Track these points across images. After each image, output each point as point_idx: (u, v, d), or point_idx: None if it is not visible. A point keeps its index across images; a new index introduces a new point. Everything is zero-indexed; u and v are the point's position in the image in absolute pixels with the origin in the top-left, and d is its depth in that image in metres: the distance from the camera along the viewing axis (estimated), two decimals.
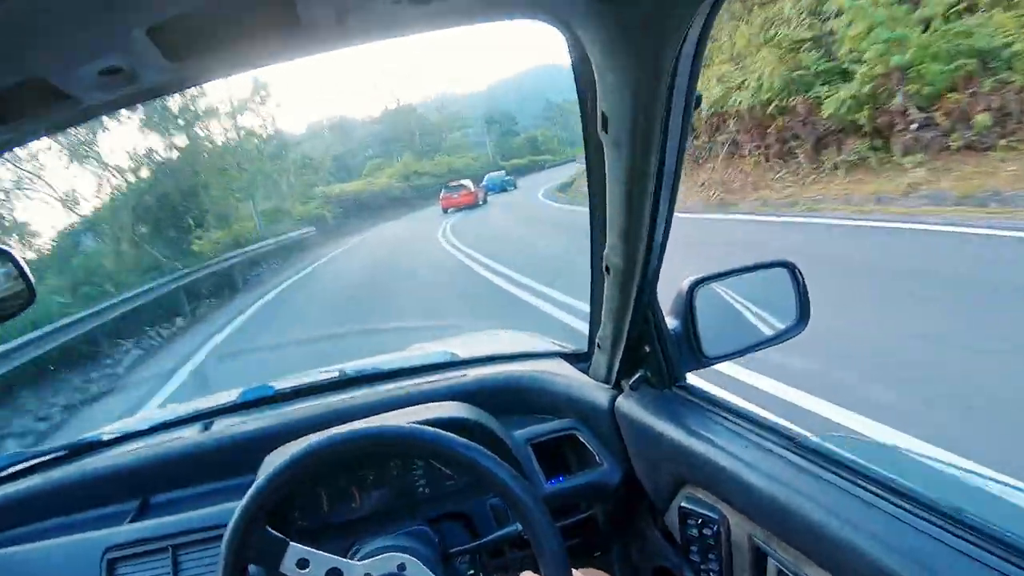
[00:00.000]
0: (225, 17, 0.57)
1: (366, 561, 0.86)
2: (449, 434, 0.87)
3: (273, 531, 0.85)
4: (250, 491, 0.86)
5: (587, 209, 1.00)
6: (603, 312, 1.09)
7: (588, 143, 0.90)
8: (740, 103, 11.12)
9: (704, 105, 10.75)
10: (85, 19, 0.49)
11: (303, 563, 0.83)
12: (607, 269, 1.00)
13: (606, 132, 0.78)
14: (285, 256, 17.84)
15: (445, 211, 24.29)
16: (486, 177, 32.51)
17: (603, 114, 0.76)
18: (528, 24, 0.72)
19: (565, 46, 0.79)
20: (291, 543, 0.84)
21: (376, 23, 0.65)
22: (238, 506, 0.86)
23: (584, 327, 1.23)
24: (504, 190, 30.81)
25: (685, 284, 1.12)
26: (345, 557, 1.01)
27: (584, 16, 0.66)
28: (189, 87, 0.70)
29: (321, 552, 0.85)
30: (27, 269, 0.83)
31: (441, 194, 26.16)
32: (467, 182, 26.92)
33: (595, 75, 0.71)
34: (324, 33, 0.64)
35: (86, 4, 0.48)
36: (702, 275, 1.14)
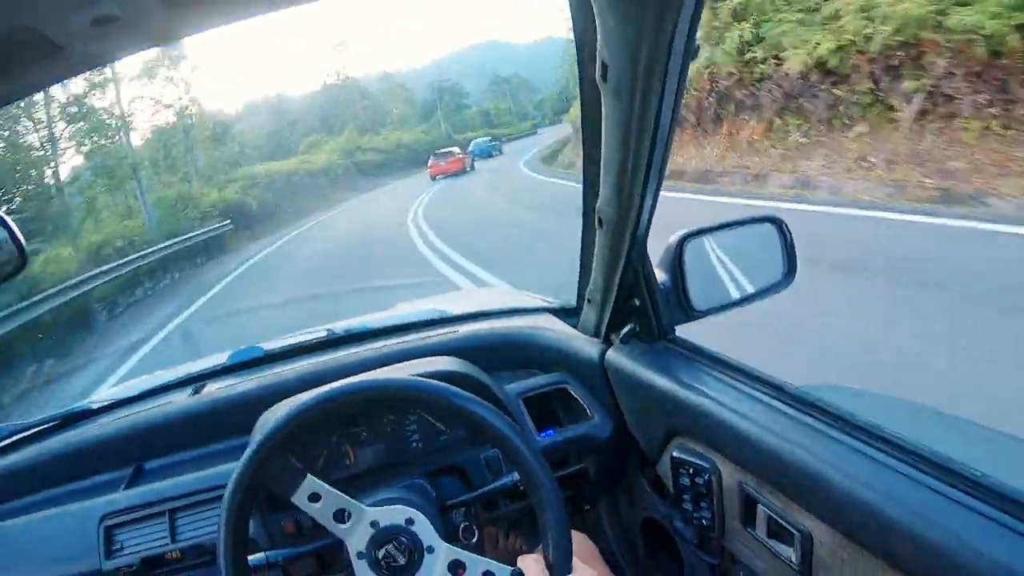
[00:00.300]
0: None
1: (375, 508, 0.86)
2: (447, 385, 0.87)
3: (295, 461, 0.85)
4: (255, 442, 0.86)
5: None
6: (593, 265, 1.09)
7: (584, 92, 0.89)
8: (964, 24, 6.08)
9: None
10: None
11: (315, 496, 0.83)
12: (599, 221, 1.00)
13: (604, 81, 0.78)
14: (190, 263, 13.76)
15: (433, 179, 23.96)
16: (472, 143, 32.08)
17: (603, 62, 0.75)
18: None
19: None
20: (309, 475, 0.84)
21: None
22: (245, 451, 0.86)
23: None
24: (490, 155, 30.33)
25: (674, 238, 1.13)
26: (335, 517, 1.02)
27: None
28: (183, 36, 0.68)
29: (335, 490, 0.85)
30: (19, 234, 0.81)
31: (429, 161, 25.77)
32: (455, 149, 26.62)
33: (596, 20, 0.70)
34: None
35: None
36: (690, 229, 1.15)
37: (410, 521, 0.84)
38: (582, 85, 0.89)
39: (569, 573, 0.79)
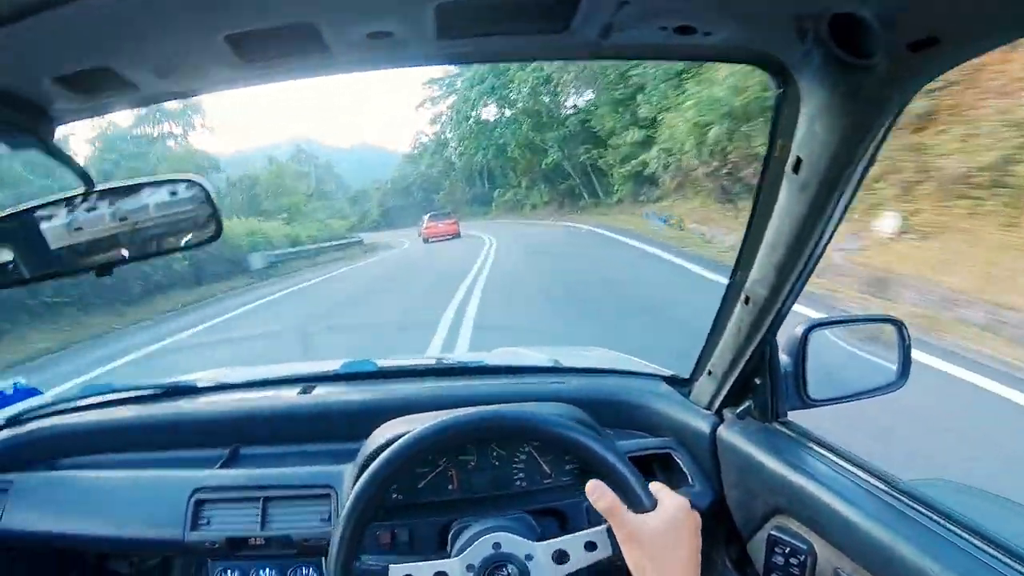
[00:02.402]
0: (504, 5, 0.60)
1: (463, 554, 0.89)
2: (577, 425, 0.92)
3: (371, 561, 0.88)
4: (382, 458, 0.89)
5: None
6: (723, 340, 1.12)
7: (765, 179, 0.93)
8: None
9: None
10: None
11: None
12: (746, 299, 1.03)
13: (796, 173, 0.82)
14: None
15: (426, 241, 24.48)
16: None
17: (798, 157, 0.79)
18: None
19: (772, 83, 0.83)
20: (391, 566, 0.87)
21: (634, 45, 0.69)
22: (365, 474, 0.89)
23: None
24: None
25: (801, 327, 1.16)
26: (437, 538, 1.05)
27: (816, 71, 0.68)
28: (440, 64, 0.73)
29: (420, 563, 0.88)
30: (216, 203, 0.85)
31: (425, 222, 25.78)
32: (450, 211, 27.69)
33: (801, 121, 0.74)
34: (585, 44, 0.67)
35: None
36: (819, 319, 1.18)
37: (497, 545, 0.88)
38: (765, 172, 0.93)
39: None
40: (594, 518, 1.10)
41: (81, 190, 0.82)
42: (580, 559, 0.88)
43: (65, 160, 0.78)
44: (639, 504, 0.85)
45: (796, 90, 0.72)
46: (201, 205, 0.82)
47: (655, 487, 0.88)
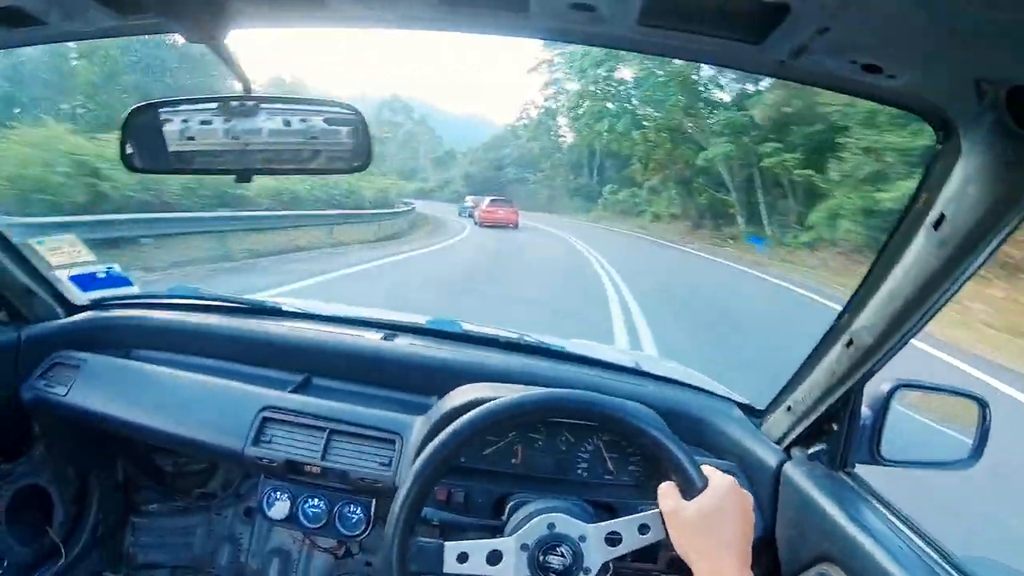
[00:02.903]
0: (712, 6, 0.60)
1: (518, 532, 0.90)
2: (660, 420, 0.95)
3: (425, 541, 0.88)
4: (465, 419, 0.90)
5: None
6: (812, 378, 1.11)
7: (902, 225, 0.91)
8: None
9: None
10: None
11: (463, 557, 0.87)
12: (850, 342, 1.02)
13: (935, 229, 0.80)
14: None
15: (482, 225, 22.25)
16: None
17: (942, 214, 0.78)
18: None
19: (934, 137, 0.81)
20: (445, 544, 0.88)
21: (818, 72, 0.69)
22: (447, 430, 0.89)
23: None
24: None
25: (888, 384, 1.14)
26: (492, 506, 1.06)
27: (982, 134, 0.67)
28: (632, 50, 0.74)
29: (475, 541, 0.89)
30: (371, 135, 0.87)
31: (484, 205, 23.57)
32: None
33: (952, 177, 0.73)
34: (773, 60, 0.67)
35: None
36: (908, 380, 1.16)
37: (551, 526, 0.89)
38: (902, 221, 0.91)
39: None
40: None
41: (238, 93, 0.85)
42: (632, 542, 0.88)
43: (231, 62, 0.80)
44: (690, 482, 0.87)
45: (956, 148, 0.71)
46: (355, 133, 0.83)
47: (707, 469, 0.89)
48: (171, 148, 0.88)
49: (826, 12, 0.55)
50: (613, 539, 0.88)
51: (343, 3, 0.68)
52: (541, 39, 0.72)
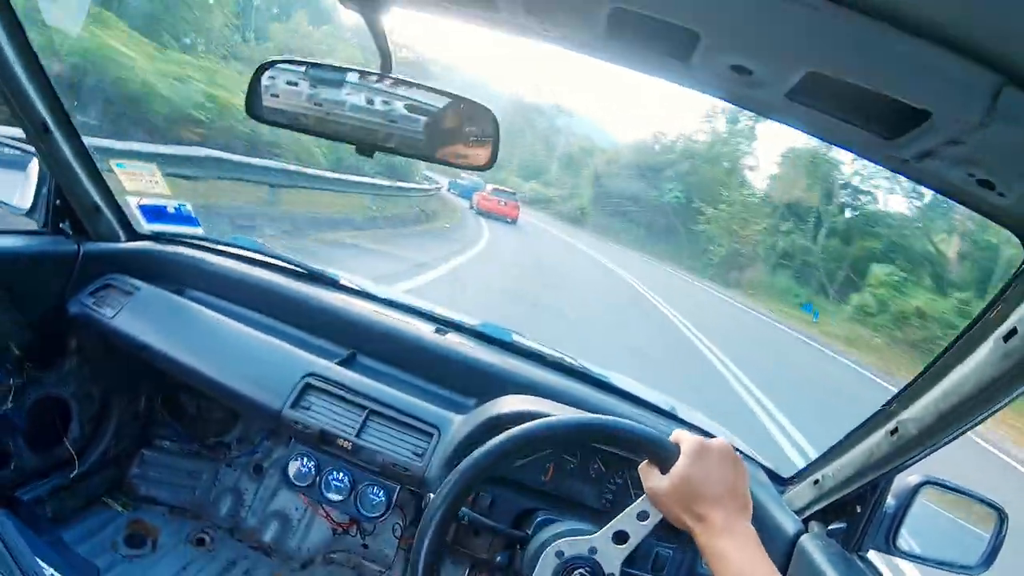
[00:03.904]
0: (865, 98, 0.63)
1: (560, 541, 0.90)
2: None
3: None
4: (520, 430, 0.89)
5: None
6: (847, 458, 1.12)
7: (971, 329, 0.93)
8: None
9: None
10: None
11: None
12: (895, 431, 1.03)
13: (1004, 342, 0.83)
14: None
15: (479, 212, 21.87)
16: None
17: (1014, 328, 0.80)
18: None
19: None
20: None
21: (936, 176, 0.71)
22: (506, 435, 0.89)
23: None
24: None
25: (917, 477, 1.16)
26: (514, 517, 1.07)
27: None
28: (775, 120, 0.75)
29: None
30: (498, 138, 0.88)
31: (485, 190, 23.06)
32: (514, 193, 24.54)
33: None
34: (899, 158, 0.70)
35: None
36: (937, 478, 1.18)
37: (593, 550, 0.89)
38: (972, 326, 0.93)
39: None
40: (658, 565, 1.12)
41: (375, 68, 0.87)
42: (638, 532, 0.88)
43: (380, 36, 0.82)
44: (661, 455, 0.85)
45: None
46: (484, 133, 0.85)
47: (675, 435, 0.86)
48: (298, 107, 0.90)
49: (962, 127, 0.58)
50: (621, 536, 0.88)
51: (515, 10, 0.71)
52: (694, 90, 0.74)
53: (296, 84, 0.91)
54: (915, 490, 1.15)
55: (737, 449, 1.42)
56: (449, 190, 25.45)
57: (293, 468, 1.20)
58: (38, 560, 0.92)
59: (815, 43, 0.59)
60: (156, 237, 1.48)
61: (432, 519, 0.86)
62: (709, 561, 0.79)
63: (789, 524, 1.21)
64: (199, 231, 1.52)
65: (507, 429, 0.90)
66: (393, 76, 0.86)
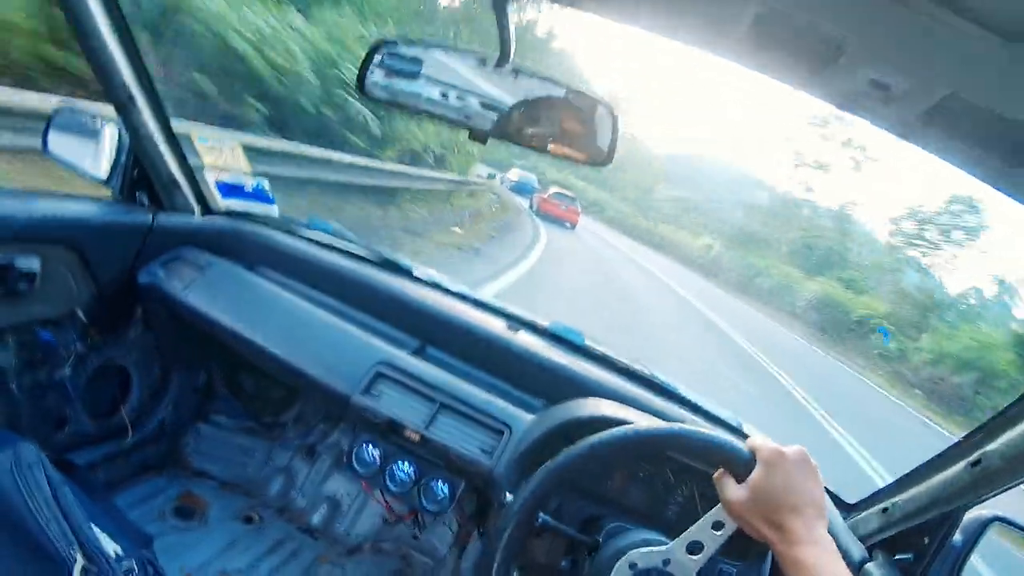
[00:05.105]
0: (996, 123, 0.62)
1: (633, 552, 0.90)
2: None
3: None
4: (608, 434, 0.88)
5: None
6: (921, 488, 1.10)
7: None
8: None
9: None
10: None
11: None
12: (978, 462, 1.01)
13: None
14: None
15: (538, 212, 21.50)
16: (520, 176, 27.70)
17: None
18: None
19: None
20: None
21: None
22: (576, 447, 0.88)
23: None
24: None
25: (988, 513, 1.14)
26: (581, 522, 1.06)
27: None
28: (902, 138, 0.75)
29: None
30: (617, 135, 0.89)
31: (545, 194, 22.78)
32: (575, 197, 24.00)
33: None
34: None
35: None
36: (1009, 516, 1.16)
37: (667, 562, 0.88)
38: None
39: None
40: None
41: (494, 55, 0.88)
42: (713, 542, 0.86)
43: (501, 24, 0.82)
44: (736, 463, 0.83)
45: None
46: (605, 129, 0.85)
47: (750, 443, 0.84)
48: (413, 87, 0.90)
49: None
50: (694, 547, 0.87)
51: (656, 9, 0.71)
52: (826, 101, 0.73)
53: (460, 74, 0.91)
54: (984, 526, 1.14)
55: None
56: (491, 177, 24.52)
57: (357, 455, 1.19)
58: (92, 525, 0.92)
59: (961, 64, 0.58)
60: (231, 214, 1.50)
61: (513, 519, 0.86)
62: (788, 571, 0.78)
63: (853, 550, 1.19)
64: (275, 210, 1.53)
65: (582, 432, 0.90)
66: (511, 64, 0.87)
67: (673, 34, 0.75)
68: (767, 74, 0.75)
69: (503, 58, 0.86)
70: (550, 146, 0.87)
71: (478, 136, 0.88)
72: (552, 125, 0.87)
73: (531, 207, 22.53)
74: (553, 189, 23.89)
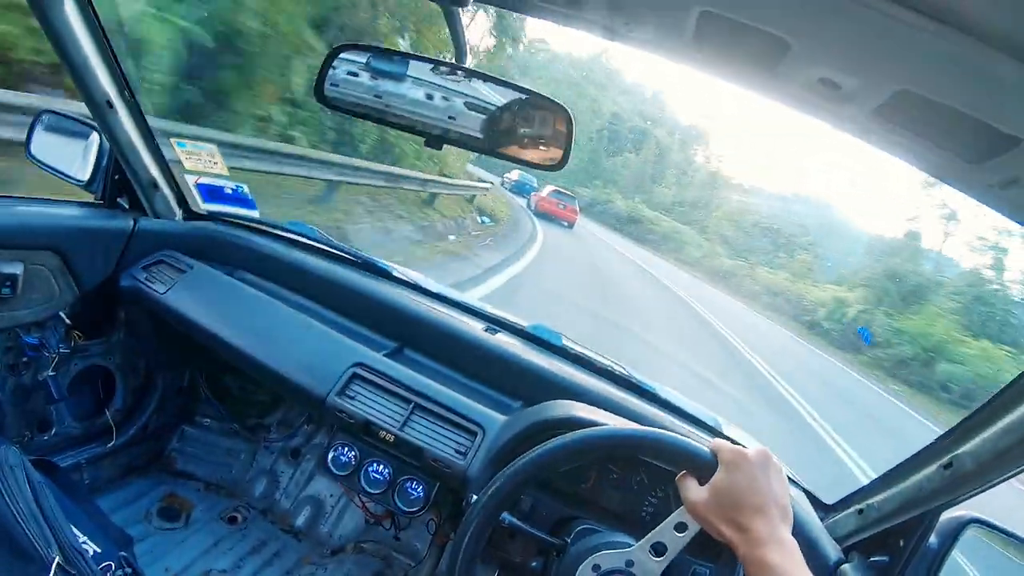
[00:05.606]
0: (953, 119, 0.61)
1: (597, 555, 0.90)
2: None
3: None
4: (576, 436, 0.88)
5: None
6: (895, 490, 1.10)
7: None
8: None
9: None
10: None
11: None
12: (950, 465, 1.00)
13: None
14: None
15: (538, 214, 21.05)
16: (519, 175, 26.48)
17: None
18: None
19: None
20: None
21: (1016, 206, 0.69)
22: (538, 449, 0.88)
23: None
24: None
25: (965, 515, 1.13)
26: (554, 522, 1.06)
27: None
28: (857, 136, 0.74)
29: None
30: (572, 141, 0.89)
31: (544, 193, 22.65)
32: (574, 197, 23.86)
33: None
34: (983, 184, 0.69)
35: None
36: (986, 518, 1.14)
37: (630, 563, 0.88)
38: None
39: None
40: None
41: (446, 59, 0.87)
42: (676, 543, 0.86)
43: (456, 29, 0.82)
44: (698, 464, 0.83)
45: None
46: (558, 132, 0.85)
47: (712, 445, 0.84)
48: (368, 95, 0.90)
49: None
50: (659, 549, 0.87)
51: (599, 9, 0.70)
52: (781, 103, 0.73)
53: (358, 74, 0.91)
54: (960, 528, 1.12)
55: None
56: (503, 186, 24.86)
57: (333, 456, 1.20)
58: (71, 526, 0.93)
59: (910, 60, 0.57)
60: (212, 217, 1.50)
61: (475, 520, 0.86)
62: (752, 573, 0.77)
63: (829, 551, 1.18)
64: (255, 213, 1.54)
65: (552, 434, 0.89)
66: (465, 68, 0.86)
67: (625, 39, 0.74)
68: (719, 76, 0.75)
69: (459, 62, 0.86)
70: (505, 149, 0.87)
71: (435, 144, 0.88)
72: (506, 128, 0.86)
73: (529, 206, 22.53)
74: (550, 188, 23.57)
